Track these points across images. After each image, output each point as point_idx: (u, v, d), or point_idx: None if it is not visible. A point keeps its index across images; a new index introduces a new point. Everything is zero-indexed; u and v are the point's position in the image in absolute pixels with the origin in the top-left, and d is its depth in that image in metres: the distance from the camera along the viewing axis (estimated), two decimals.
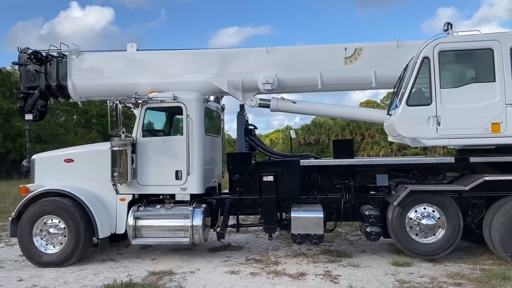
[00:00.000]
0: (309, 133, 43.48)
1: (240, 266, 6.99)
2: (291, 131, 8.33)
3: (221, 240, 7.62)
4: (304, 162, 7.36)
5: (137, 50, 8.62)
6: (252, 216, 9.53)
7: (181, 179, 7.33)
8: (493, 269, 6.45)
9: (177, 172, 7.35)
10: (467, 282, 5.92)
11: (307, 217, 7.05)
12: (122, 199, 7.53)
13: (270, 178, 7.26)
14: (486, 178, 6.69)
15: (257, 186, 7.37)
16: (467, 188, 6.75)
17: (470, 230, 7.41)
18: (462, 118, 6.76)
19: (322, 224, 7.01)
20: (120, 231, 7.49)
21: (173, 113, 8.41)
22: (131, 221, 7.33)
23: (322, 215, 7.02)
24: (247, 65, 8.20)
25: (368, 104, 43.01)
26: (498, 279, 5.84)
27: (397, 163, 7.39)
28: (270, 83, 7.92)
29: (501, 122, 6.66)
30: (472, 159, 6.93)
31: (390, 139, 8.03)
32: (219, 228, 7.50)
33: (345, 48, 7.98)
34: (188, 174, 7.31)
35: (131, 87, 7.95)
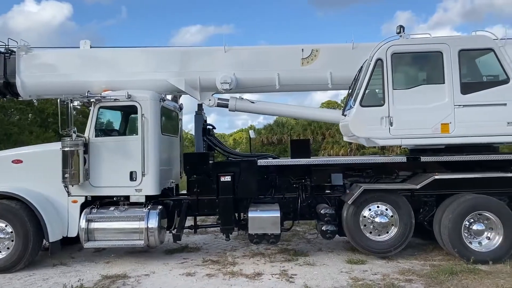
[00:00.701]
0: (271, 133, 43.83)
1: (197, 268, 6.91)
2: (250, 131, 8.34)
3: (178, 241, 7.51)
4: (261, 162, 7.37)
5: (91, 47, 8.37)
6: (212, 216, 9.46)
7: (135, 180, 7.16)
8: (442, 264, 6.69)
9: (131, 173, 7.18)
10: (417, 278, 6.10)
11: (264, 217, 7.06)
12: (74, 201, 7.28)
13: (228, 178, 7.21)
14: (436, 177, 6.92)
15: (214, 186, 7.31)
16: (418, 186, 6.96)
17: (422, 227, 7.63)
18: (413, 118, 6.96)
19: (279, 224, 7.04)
20: (72, 234, 7.23)
21: (128, 113, 8.22)
22: (83, 224, 7.09)
23: (279, 215, 7.05)
24: (205, 64, 8.13)
25: (329, 104, 43.78)
26: (446, 274, 6.04)
27: (351, 162, 7.53)
28: (228, 83, 7.89)
29: (450, 123, 6.91)
30: (423, 159, 7.15)
31: (345, 139, 8.17)
32: (175, 230, 7.39)
33: (302, 49, 8.07)
34: (143, 175, 7.15)
35: (84, 85, 7.71)
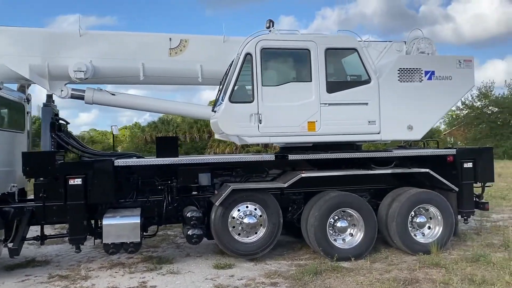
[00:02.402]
0: (156, 131, 42.17)
1: (40, 286, 5.90)
2: (112, 127, 7.41)
3: (16, 256, 6.32)
4: (119, 162, 6.55)
5: None
6: None
7: None
8: (308, 264, 6.61)
9: None
10: (283, 280, 5.91)
11: (121, 224, 6.28)
12: None
13: (78, 181, 6.27)
14: (303, 175, 6.84)
15: (62, 191, 6.31)
16: (285, 185, 6.81)
17: (293, 225, 7.55)
18: (281, 116, 6.81)
19: (138, 231, 6.32)
20: None
21: None
22: None
23: (139, 221, 6.33)
24: (56, 48, 7.08)
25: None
26: (310, 274, 5.94)
27: (219, 161, 7.10)
28: (83, 71, 6.95)
29: (316, 121, 6.90)
30: (291, 157, 7.03)
31: (217, 136, 7.78)
32: (13, 243, 6.22)
33: (170, 39, 7.46)
34: None
35: None
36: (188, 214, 6.67)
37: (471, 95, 40.50)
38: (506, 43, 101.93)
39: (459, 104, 41.12)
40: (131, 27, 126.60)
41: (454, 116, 45.19)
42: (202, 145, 38.88)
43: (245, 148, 33.33)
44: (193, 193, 6.99)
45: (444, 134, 47.44)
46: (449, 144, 40.21)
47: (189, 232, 6.62)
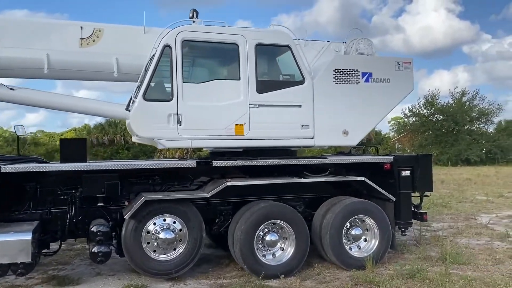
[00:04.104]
0: (102, 133, 40.32)
1: None
2: (15, 127, 6.45)
3: None
4: (6, 168, 5.53)
5: None
6: None
7: None
8: (232, 283, 5.91)
9: None
10: None
11: (6, 242, 5.27)
12: None
13: None
14: (228, 184, 6.12)
15: None
16: (208, 195, 6.07)
17: (224, 238, 6.80)
18: (205, 117, 6.09)
19: (29, 249, 5.32)
20: None
21: None
22: None
23: (30, 237, 5.35)
24: None
25: None
26: None
27: (130, 168, 6.19)
28: None
29: (245, 124, 6.24)
30: (215, 163, 6.29)
31: (134, 139, 6.90)
32: None
33: (81, 27, 6.53)
34: None
35: None
36: (94, 229, 5.76)
37: (418, 103, 41.79)
38: (451, 55, 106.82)
39: (407, 111, 42.40)
40: None
41: (402, 123, 46.42)
42: (151, 149, 37.42)
43: (196, 152, 32.16)
44: (100, 204, 6.07)
45: (393, 141, 48.61)
46: (397, 151, 41.20)
47: (94, 249, 5.72)
